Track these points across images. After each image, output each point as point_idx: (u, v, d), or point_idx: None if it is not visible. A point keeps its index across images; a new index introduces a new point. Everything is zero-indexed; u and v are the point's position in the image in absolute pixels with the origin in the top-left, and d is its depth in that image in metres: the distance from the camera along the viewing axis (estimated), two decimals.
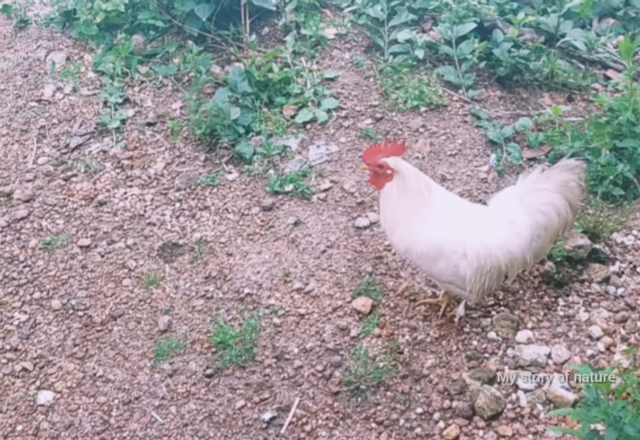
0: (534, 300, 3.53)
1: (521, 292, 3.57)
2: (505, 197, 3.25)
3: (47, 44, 4.99)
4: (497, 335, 3.42)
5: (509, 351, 3.35)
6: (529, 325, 3.45)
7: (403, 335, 3.43)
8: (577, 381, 3.20)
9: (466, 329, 3.44)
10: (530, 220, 3.14)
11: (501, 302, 3.53)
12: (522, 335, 3.41)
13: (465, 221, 3.16)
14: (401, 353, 3.37)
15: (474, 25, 4.67)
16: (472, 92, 4.53)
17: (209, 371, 3.35)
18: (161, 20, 4.86)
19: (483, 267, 3.10)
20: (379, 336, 3.43)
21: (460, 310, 3.45)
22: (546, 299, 3.54)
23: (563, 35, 4.69)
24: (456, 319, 3.44)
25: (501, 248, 3.11)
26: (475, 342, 3.40)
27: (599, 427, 2.67)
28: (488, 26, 4.77)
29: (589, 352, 3.33)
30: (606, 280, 3.60)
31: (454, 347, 3.38)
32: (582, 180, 3.26)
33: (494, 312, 3.50)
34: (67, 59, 4.89)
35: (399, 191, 3.14)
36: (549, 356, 3.33)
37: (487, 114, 4.40)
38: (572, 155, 4.07)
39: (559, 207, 3.16)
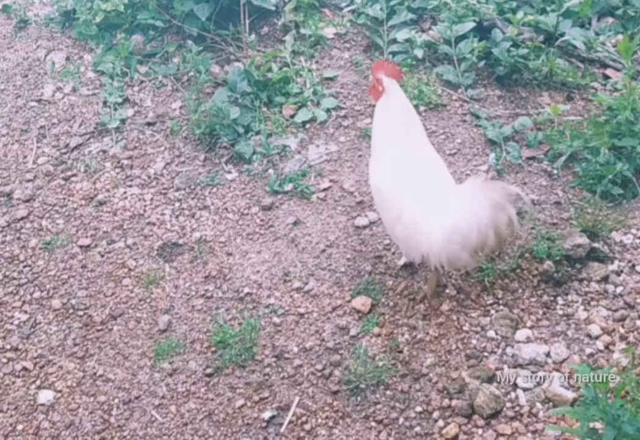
0: (533, 299, 3.54)
1: (520, 291, 3.57)
2: (466, 185, 3.22)
3: (47, 43, 5.00)
4: (497, 334, 3.42)
5: (508, 350, 3.36)
6: (528, 324, 3.45)
7: (402, 334, 3.44)
8: (576, 380, 3.21)
9: (465, 328, 3.45)
10: (454, 222, 3.12)
11: (500, 301, 3.54)
12: (521, 334, 3.42)
13: (418, 184, 3.21)
14: (400, 352, 3.37)
15: (473, 24, 4.67)
16: (472, 91, 4.54)
17: (208, 370, 3.36)
18: (160, 20, 4.87)
19: (410, 239, 3.23)
20: (378, 335, 3.44)
21: (401, 261, 3.64)
22: (545, 297, 3.54)
23: (562, 34, 4.69)
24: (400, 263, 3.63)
25: (466, 222, 3.09)
26: (474, 341, 3.40)
27: (598, 425, 2.67)
28: (487, 25, 4.76)
29: (588, 350, 3.33)
30: (605, 279, 3.60)
31: (453, 346, 3.39)
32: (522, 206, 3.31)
33: (493, 311, 3.50)
34: (67, 58, 4.89)
35: (382, 112, 3.32)
36: (548, 355, 3.33)
37: (487, 113, 4.40)
38: (571, 155, 4.09)
39: (480, 224, 3.10)
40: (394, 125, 3.30)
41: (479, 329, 3.45)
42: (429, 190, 3.23)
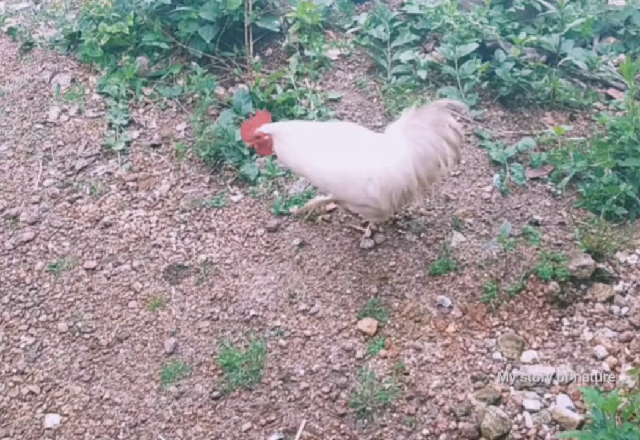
0: (539, 320, 3.55)
1: (525, 312, 3.58)
2: (392, 129, 3.60)
3: (52, 66, 5.02)
4: (502, 355, 3.43)
5: (515, 371, 3.37)
6: (534, 345, 3.46)
7: (409, 356, 3.44)
8: (583, 402, 3.21)
9: (471, 350, 3.46)
10: (410, 150, 3.50)
11: (506, 323, 3.55)
12: (527, 355, 3.43)
13: (361, 149, 3.58)
14: (407, 374, 3.38)
15: (476, 45, 4.71)
16: (475, 112, 4.56)
17: (215, 393, 3.36)
18: (165, 42, 4.89)
19: (386, 187, 3.51)
20: (384, 357, 3.44)
21: (367, 232, 3.88)
22: (550, 319, 3.55)
23: (564, 55, 4.73)
24: (365, 235, 3.88)
25: (397, 170, 3.51)
26: (480, 363, 3.41)
27: None
28: (490, 46, 4.80)
29: (594, 372, 3.34)
30: (610, 300, 3.61)
31: (460, 368, 3.39)
32: (455, 115, 3.68)
33: (498, 333, 3.51)
34: (72, 81, 4.91)
35: (288, 144, 3.61)
36: (554, 376, 3.34)
37: (490, 134, 4.43)
38: (575, 175, 4.11)
39: (433, 141, 3.49)
40: (306, 139, 3.62)
41: (484, 350, 3.46)
42: (373, 148, 3.59)
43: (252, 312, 3.64)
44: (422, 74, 4.69)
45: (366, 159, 3.54)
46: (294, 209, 4.01)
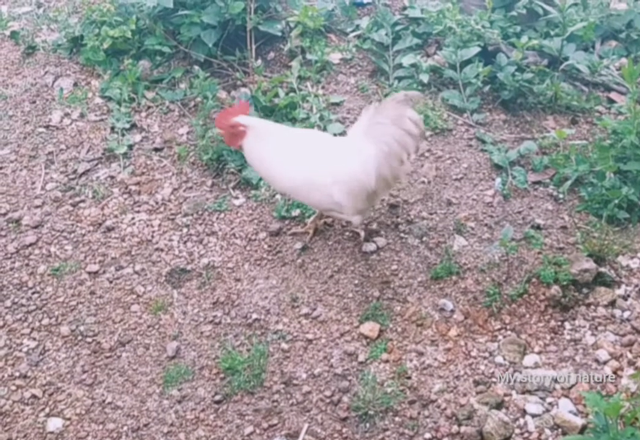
0: (541, 325, 3.55)
1: (527, 316, 3.58)
2: (354, 130, 3.62)
3: (55, 69, 5.03)
4: (504, 359, 3.43)
5: (517, 375, 3.36)
6: (536, 349, 3.46)
7: (411, 360, 3.44)
8: (585, 406, 3.21)
9: (473, 353, 3.46)
10: (375, 150, 3.50)
11: (508, 327, 3.55)
12: (529, 359, 3.43)
13: (325, 155, 3.60)
14: (409, 378, 3.38)
15: (478, 49, 4.72)
16: (477, 115, 4.57)
17: (217, 397, 3.36)
18: (167, 46, 4.90)
19: (352, 191, 3.52)
20: (386, 361, 3.44)
21: (362, 235, 3.90)
22: (552, 323, 3.55)
23: (566, 58, 4.73)
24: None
25: (361, 173, 3.51)
26: (482, 367, 3.41)
27: None
28: (492, 50, 4.80)
29: (596, 376, 3.33)
30: (612, 304, 3.61)
31: (462, 372, 3.40)
32: (414, 108, 3.67)
33: (500, 337, 3.51)
34: (75, 84, 4.92)
35: (258, 142, 3.59)
36: (556, 380, 3.34)
37: (492, 138, 4.43)
38: (576, 179, 4.11)
39: (396, 136, 3.49)
40: (276, 140, 3.61)
41: (487, 354, 3.46)
42: (337, 152, 3.61)
43: (254, 315, 3.64)
44: (424, 78, 4.69)
45: (330, 164, 3.57)
46: (295, 229, 4.01)
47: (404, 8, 5.21)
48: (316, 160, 3.59)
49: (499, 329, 3.54)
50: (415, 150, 3.59)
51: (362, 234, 3.89)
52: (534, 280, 3.67)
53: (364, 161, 3.51)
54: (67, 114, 4.72)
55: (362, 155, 3.52)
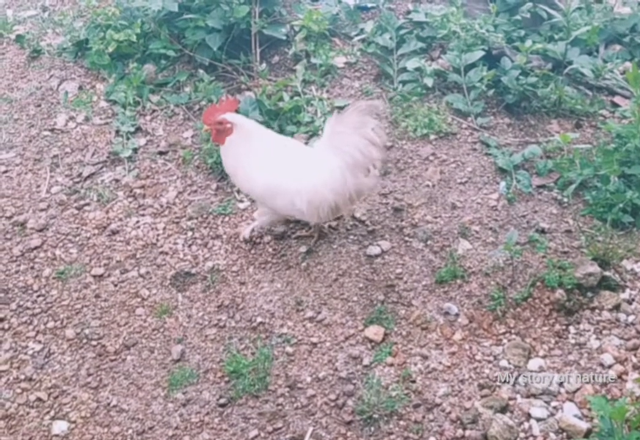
0: (545, 328, 3.55)
1: (532, 320, 3.58)
2: (319, 141, 3.68)
3: (60, 73, 5.05)
4: (509, 363, 3.43)
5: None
6: (541, 353, 3.46)
7: (415, 364, 3.44)
8: (590, 410, 3.21)
9: (478, 357, 3.46)
10: (339, 161, 3.53)
11: (512, 330, 3.55)
12: (534, 363, 3.43)
13: (294, 163, 3.64)
14: (413, 382, 3.38)
15: (482, 53, 4.72)
16: (481, 119, 4.57)
17: (222, 400, 3.36)
18: (172, 49, 4.92)
19: (313, 202, 3.56)
20: (391, 365, 3.45)
21: (246, 232, 3.93)
22: (557, 326, 3.55)
23: (570, 62, 4.74)
24: (241, 238, 3.95)
25: (324, 186, 3.55)
26: (487, 371, 3.41)
27: None
28: (496, 54, 4.81)
29: (601, 380, 3.33)
30: (617, 308, 3.61)
31: (466, 376, 3.40)
32: (378, 117, 3.69)
33: (505, 340, 3.52)
34: (80, 88, 4.94)
35: (240, 140, 3.62)
36: (561, 384, 3.34)
37: (496, 142, 4.44)
38: (581, 183, 4.11)
39: (359, 145, 3.52)
40: (257, 141, 3.65)
41: (491, 358, 3.46)
42: (304, 162, 3.65)
43: (259, 319, 3.64)
44: (429, 82, 4.70)
45: (296, 173, 3.61)
46: (300, 232, 4.02)
47: (408, 12, 5.23)
48: (285, 168, 3.62)
49: (504, 333, 3.54)
50: (380, 161, 3.64)
51: (315, 236, 3.94)
52: (538, 284, 3.67)
53: (329, 175, 3.56)
54: (72, 118, 4.73)
55: (326, 167, 3.56)
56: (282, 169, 3.62)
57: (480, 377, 3.39)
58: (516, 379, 3.36)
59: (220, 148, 3.76)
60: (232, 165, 3.75)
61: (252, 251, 3.94)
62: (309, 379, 3.42)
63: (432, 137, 4.46)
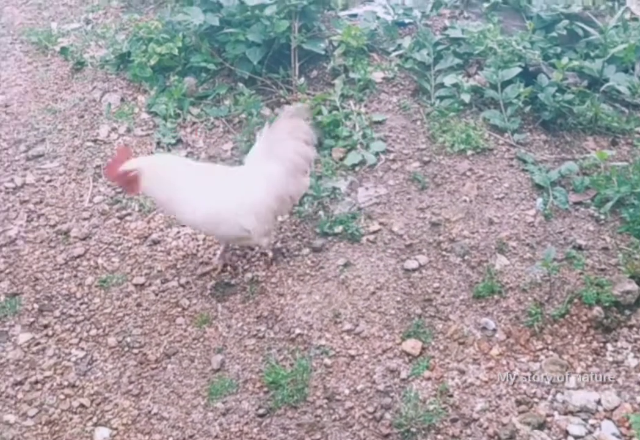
0: (583, 346, 3.55)
1: (569, 336, 3.59)
2: (254, 154, 3.74)
3: (103, 85, 5.16)
4: (547, 379, 3.44)
5: (559, 396, 3.37)
6: (578, 370, 3.47)
7: (452, 378, 3.46)
8: (629, 428, 3.21)
9: (515, 373, 3.47)
10: (280, 167, 3.65)
11: (549, 347, 3.56)
12: (572, 380, 3.44)
13: (228, 186, 3.65)
14: (451, 396, 3.40)
15: (519, 69, 4.76)
16: (518, 135, 4.60)
17: (261, 411, 3.40)
18: (213, 63, 5.01)
19: (258, 214, 3.63)
20: (428, 379, 3.47)
21: (216, 259, 3.96)
22: (595, 344, 3.56)
23: (606, 80, 4.76)
24: (215, 264, 3.95)
25: (268, 195, 3.65)
26: (524, 386, 3.42)
27: None
28: (533, 71, 4.84)
29: (639, 398, 3.34)
30: None
31: (504, 391, 3.41)
32: (305, 118, 3.84)
33: (542, 357, 3.53)
34: (122, 100, 5.04)
35: (156, 181, 3.55)
36: (598, 402, 3.34)
37: (533, 158, 4.46)
38: (618, 200, 4.12)
39: (297, 149, 3.68)
40: (175, 178, 3.58)
41: (528, 374, 3.47)
42: (241, 181, 3.68)
43: (298, 330, 3.68)
44: (466, 98, 4.74)
45: (234, 195, 3.63)
46: (202, 269, 3.99)
47: (445, 28, 5.27)
48: (220, 193, 3.62)
49: (541, 349, 3.55)
50: (313, 160, 3.80)
51: (270, 254, 3.96)
52: (575, 300, 3.68)
53: (269, 184, 3.65)
54: (114, 129, 4.83)
55: (266, 178, 3.65)
56: (216, 195, 3.60)
57: (518, 392, 3.40)
58: (554, 395, 3.38)
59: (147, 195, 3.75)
60: (163, 204, 3.74)
61: (291, 263, 3.99)
62: (347, 391, 3.45)
63: (469, 152, 4.49)
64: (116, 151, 3.75)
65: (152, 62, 5.01)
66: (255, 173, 3.68)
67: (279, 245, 4.08)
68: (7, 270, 4.03)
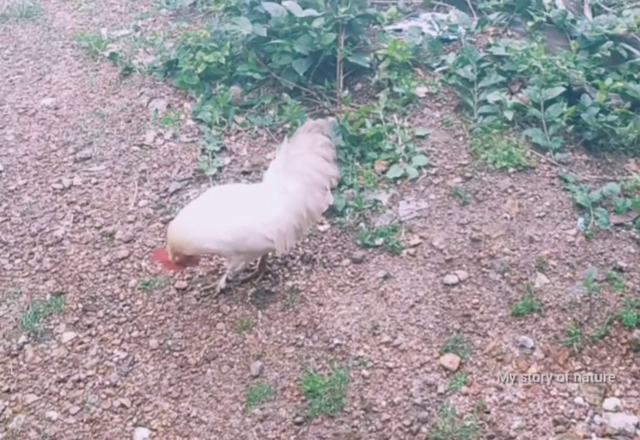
0: (622, 368, 3.55)
1: (608, 358, 3.59)
2: (272, 170, 3.74)
3: (150, 91, 5.24)
4: (585, 401, 3.44)
5: (597, 418, 3.37)
6: (617, 392, 3.46)
7: (490, 395, 3.48)
8: None
9: (553, 392, 3.48)
10: (298, 183, 3.65)
11: (588, 368, 3.56)
12: (610, 402, 3.43)
13: (249, 202, 3.70)
14: (488, 412, 3.41)
15: (562, 89, 4.76)
16: (560, 155, 4.61)
17: (298, 419, 3.43)
18: (258, 72, 5.07)
19: (280, 229, 3.64)
20: (466, 394, 3.48)
21: (221, 283, 3.93)
22: (634, 367, 3.55)
23: None
24: (217, 289, 3.94)
25: (287, 211, 3.65)
26: (562, 407, 3.42)
27: None
28: (576, 90, 4.85)
29: None
30: None
31: (541, 410, 3.42)
32: (325, 134, 3.84)
33: (581, 377, 3.52)
34: (168, 106, 5.12)
35: (185, 240, 3.68)
36: (637, 426, 3.33)
37: (574, 178, 4.47)
38: None
39: (315, 164, 3.67)
40: (195, 226, 3.69)
41: (566, 394, 3.47)
42: (261, 198, 3.72)
43: (336, 341, 3.72)
44: (509, 115, 4.75)
45: (255, 209, 3.67)
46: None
47: (489, 45, 5.29)
48: (242, 210, 3.67)
49: (580, 370, 3.55)
50: (336, 177, 3.77)
51: (260, 275, 4.02)
52: (615, 322, 3.68)
53: (287, 200, 3.65)
54: (160, 134, 4.91)
55: (284, 194, 3.65)
56: (239, 211, 3.67)
57: (555, 412, 3.41)
58: (592, 417, 3.38)
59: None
60: (202, 249, 3.79)
61: (331, 273, 4.03)
62: (384, 403, 3.48)
63: (511, 170, 4.51)
64: (156, 256, 3.95)
65: (199, 70, 5.09)
66: (273, 189, 3.69)
67: (319, 255, 4.12)
68: (53, 270, 4.11)
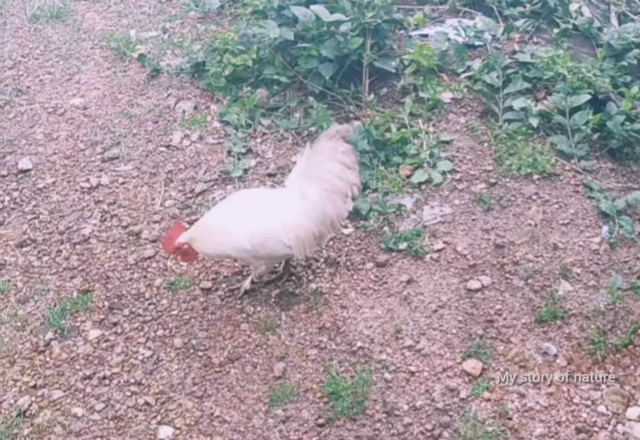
0: None
1: (632, 367, 3.59)
2: (294, 175, 3.77)
3: (177, 92, 5.29)
4: (607, 409, 3.45)
5: (619, 427, 3.38)
6: None
7: (512, 401, 3.49)
8: None
9: (575, 400, 3.48)
10: (318, 190, 3.66)
11: (611, 376, 3.56)
12: (633, 411, 3.43)
13: (269, 208, 3.72)
14: (510, 419, 3.42)
15: (588, 96, 4.76)
16: (584, 162, 4.61)
17: (320, 421, 3.46)
18: (285, 76, 5.11)
19: (299, 235, 3.65)
20: (488, 400, 3.50)
21: (246, 284, 3.96)
22: None
23: None
24: (242, 290, 3.97)
25: (306, 218, 3.66)
26: (584, 415, 3.43)
27: None
28: (602, 98, 4.85)
29: None
30: None
31: (563, 418, 3.42)
32: (347, 140, 3.89)
33: (603, 386, 3.53)
34: (195, 108, 5.17)
35: (204, 243, 3.68)
36: None
37: (599, 185, 4.46)
38: None
39: (336, 171, 3.68)
40: (219, 230, 3.71)
41: (589, 402, 3.48)
42: (281, 203, 3.75)
43: (359, 343, 3.74)
44: (534, 122, 4.76)
45: (275, 214, 3.69)
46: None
47: (514, 52, 5.29)
48: (261, 215, 3.70)
49: (603, 378, 3.55)
50: (358, 185, 3.78)
51: (285, 276, 4.05)
52: (639, 331, 3.68)
53: (307, 206, 3.67)
54: (186, 136, 4.95)
55: (304, 200, 3.67)
56: (259, 217, 3.69)
57: (578, 420, 3.41)
58: (614, 426, 3.38)
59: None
60: (217, 254, 3.83)
61: (355, 276, 4.05)
62: (405, 407, 3.50)
63: (535, 176, 4.51)
64: (170, 228, 3.93)
65: (227, 72, 5.13)
66: (293, 195, 3.72)
67: (343, 258, 4.15)
68: (80, 268, 4.17)
